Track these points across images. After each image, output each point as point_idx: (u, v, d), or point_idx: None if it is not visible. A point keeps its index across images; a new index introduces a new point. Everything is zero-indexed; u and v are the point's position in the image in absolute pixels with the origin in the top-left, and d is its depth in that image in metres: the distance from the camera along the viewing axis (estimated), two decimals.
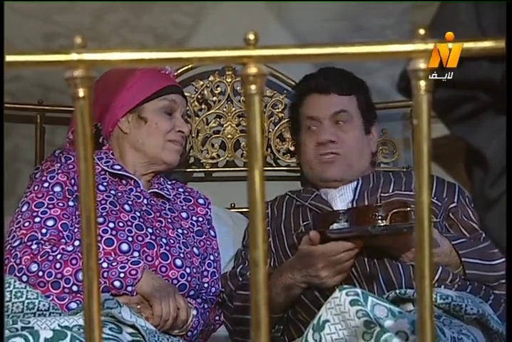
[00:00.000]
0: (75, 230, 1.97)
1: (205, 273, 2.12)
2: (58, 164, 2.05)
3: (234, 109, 2.50)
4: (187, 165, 2.50)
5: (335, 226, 1.90)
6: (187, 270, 2.01)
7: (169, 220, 2.10)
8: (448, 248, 1.94)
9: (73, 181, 2.04)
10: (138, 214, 2.04)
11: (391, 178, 2.16)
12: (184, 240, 2.07)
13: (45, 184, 2.02)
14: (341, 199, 2.13)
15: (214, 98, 2.49)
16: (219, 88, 2.49)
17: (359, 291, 1.55)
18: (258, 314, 0.92)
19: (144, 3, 2.47)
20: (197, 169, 2.51)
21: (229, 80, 2.48)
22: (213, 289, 2.13)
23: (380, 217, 1.84)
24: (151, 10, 2.49)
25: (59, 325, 1.60)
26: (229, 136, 2.50)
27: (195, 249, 2.08)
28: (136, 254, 1.95)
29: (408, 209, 1.86)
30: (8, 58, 0.83)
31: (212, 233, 2.20)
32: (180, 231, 2.09)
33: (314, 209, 2.12)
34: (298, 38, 2.49)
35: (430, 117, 0.87)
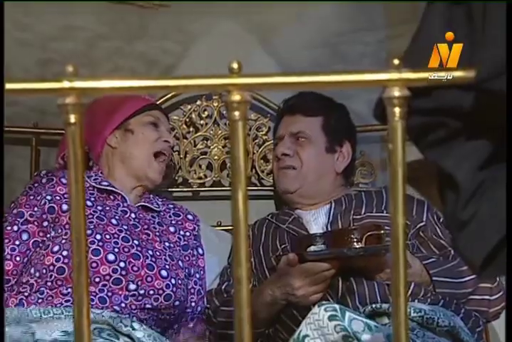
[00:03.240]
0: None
1: (192, 290, 2.11)
2: (29, 200, 2.03)
3: (220, 132, 2.50)
4: (176, 185, 2.49)
5: (312, 248, 1.91)
6: (173, 281, 1.99)
7: (157, 233, 2.09)
8: (419, 268, 1.95)
9: (46, 205, 2.02)
10: (125, 227, 2.03)
11: (362, 200, 2.16)
12: (170, 253, 2.06)
13: (15, 228, 2.01)
14: (315, 222, 2.15)
15: (202, 121, 2.50)
16: (206, 112, 2.50)
17: (337, 306, 1.55)
18: (242, 330, 0.92)
19: (135, 31, 2.49)
20: (185, 189, 2.51)
21: (215, 104, 2.50)
22: (199, 308, 2.12)
23: (355, 240, 1.86)
24: (142, 38, 2.50)
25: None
26: (215, 157, 2.50)
27: (180, 263, 2.07)
28: (122, 264, 1.94)
29: (382, 231, 1.87)
30: (6, 85, 0.83)
31: (200, 251, 2.19)
32: (166, 244, 2.08)
33: (291, 233, 2.12)
34: (281, 65, 2.51)
35: (404, 142, 0.87)
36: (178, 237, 2.14)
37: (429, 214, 2.11)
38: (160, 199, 2.22)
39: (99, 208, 2.05)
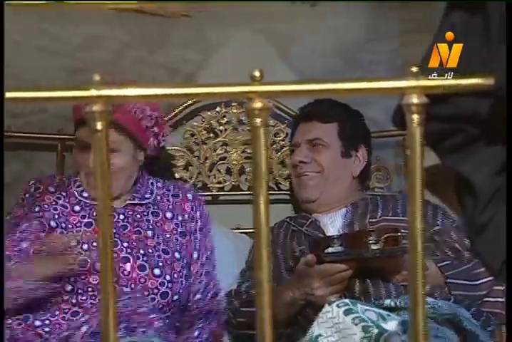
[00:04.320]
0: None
1: (200, 272, 2.01)
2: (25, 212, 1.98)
3: (239, 137, 2.50)
4: (196, 189, 2.49)
5: (330, 249, 1.90)
6: (167, 277, 1.92)
7: (150, 227, 1.99)
8: (434, 270, 1.93)
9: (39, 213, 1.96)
10: (114, 230, 1.93)
11: (378, 204, 2.15)
12: (164, 247, 1.97)
13: (14, 237, 1.95)
14: (332, 225, 2.14)
15: (221, 127, 2.49)
16: (225, 118, 2.49)
17: (347, 300, 1.55)
18: (263, 331, 0.91)
19: (157, 40, 2.49)
20: (205, 193, 2.50)
21: (234, 110, 2.49)
22: (211, 292, 2.03)
23: (373, 241, 1.85)
24: (164, 47, 2.51)
25: None
26: (234, 162, 2.50)
27: (176, 254, 1.97)
28: None
29: (399, 234, 1.86)
30: (36, 94, 0.83)
31: (204, 230, 2.06)
32: (160, 238, 1.98)
33: (309, 235, 2.11)
34: (297, 73, 2.51)
35: (423, 148, 0.86)
36: (176, 224, 2.02)
37: (444, 218, 2.10)
38: (159, 182, 2.09)
39: (88, 212, 1.98)
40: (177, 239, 2.00)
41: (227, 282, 2.16)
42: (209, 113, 2.49)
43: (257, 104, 0.88)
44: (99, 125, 0.87)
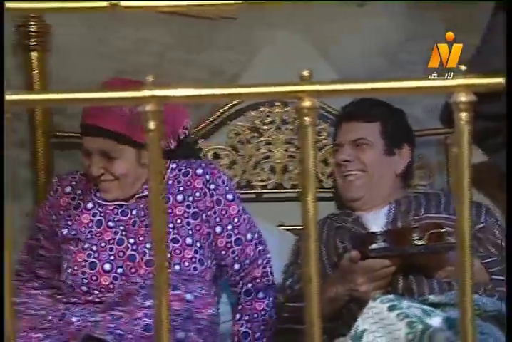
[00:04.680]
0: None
1: (228, 245, 1.94)
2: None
3: (282, 136, 2.50)
4: (240, 187, 2.49)
5: (374, 246, 1.88)
6: (177, 267, 1.86)
7: None
8: (478, 267, 1.91)
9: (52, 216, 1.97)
10: (121, 227, 1.91)
11: (421, 201, 2.13)
12: (174, 235, 1.89)
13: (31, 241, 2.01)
14: (375, 222, 2.12)
15: (265, 127, 2.49)
16: (269, 118, 2.49)
17: (391, 296, 1.54)
18: (312, 326, 0.91)
19: (201, 42, 2.50)
20: (249, 191, 2.51)
21: (278, 110, 2.49)
22: (249, 259, 1.96)
23: (417, 238, 1.83)
24: (207, 49, 2.52)
25: None
26: (277, 161, 2.50)
27: (187, 240, 1.89)
28: (120, 270, 1.86)
29: (443, 230, 1.84)
30: (90, 95, 0.84)
31: (230, 198, 1.95)
32: (170, 225, 1.90)
33: (352, 231, 2.10)
34: (339, 73, 2.49)
35: (470, 146, 0.85)
36: (187, 206, 1.93)
37: (487, 216, 2.07)
38: (174, 163, 1.98)
39: (99, 209, 1.94)
40: (188, 223, 1.92)
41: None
42: (253, 113, 2.49)
43: (306, 103, 0.88)
44: (152, 125, 0.88)
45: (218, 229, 1.94)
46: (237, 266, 1.96)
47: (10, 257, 0.86)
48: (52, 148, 2.37)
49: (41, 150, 2.36)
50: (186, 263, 1.87)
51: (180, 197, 1.93)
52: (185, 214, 1.92)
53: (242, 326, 1.96)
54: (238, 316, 1.97)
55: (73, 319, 1.86)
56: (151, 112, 0.87)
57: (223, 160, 2.47)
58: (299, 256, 2.16)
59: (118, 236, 1.90)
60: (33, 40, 2.32)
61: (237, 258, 1.96)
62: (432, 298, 1.69)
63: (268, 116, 2.49)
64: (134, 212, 1.93)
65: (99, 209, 1.94)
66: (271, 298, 1.97)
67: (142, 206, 1.93)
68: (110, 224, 1.92)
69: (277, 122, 2.49)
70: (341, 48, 2.53)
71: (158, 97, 0.87)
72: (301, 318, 2.16)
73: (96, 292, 1.86)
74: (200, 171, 1.94)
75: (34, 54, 2.33)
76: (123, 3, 0.80)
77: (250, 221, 2.00)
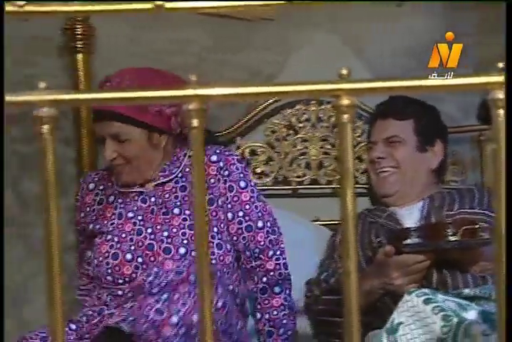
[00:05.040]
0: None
1: (239, 231, 1.89)
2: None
3: (318, 134, 2.50)
4: (277, 183, 2.50)
5: (409, 241, 1.88)
6: (193, 253, 1.82)
7: (177, 203, 1.89)
8: None
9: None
10: (140, 217, 1.90)
11: (454, 197, 2.12)
12: (190, 222, 1.86)
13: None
14: (409, 217, 2.11)
15: (301, 124, 2.50)
16: (305, 115, 2.49)
17: (426, 290, 1.53)
18: (351, 319, 0.91)
19: (239, 43, 2.51)
20: (286, 187, 2.51)
21: (313, 108, 2.49)
22: (258, 249, 1.90)
23: (451, 233, 1.81)
24: (245, 49, 2.52)
25: None
26: (313, 157, 2.50)
27: None
28: (140, 259, 1.86)
29: (477, 226, 1.82)
30: (136, 94, 0.85)
31: (242, 185, 1.91)
32: (187, 212, 1.87)
33: (386, 227, 2.10)
34: (373, 72, 2.49)
35: (508, 143, 0.85)
36: None
37: None
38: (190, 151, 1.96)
39: (119, 201, 1.94)
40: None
41: (308, 271, 2.15)
42: (289, 111, 2.49)
43: (345, 101, 0.88)
44: (195, 123, 0.88)
45: (229, 216, 1.90)
46: (248, 253, 1.91)
47: (59, 252, 0.87)
48: (96, 145, 2.40)
49: (86, 148, 2.39)
50: None
51: None
52: None
53: (265, 325, 1.92)
54: (259, 316, 1.92)
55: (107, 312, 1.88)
56: (194, 110, 0.87)
57: (260, 157, 2.48)
58: (334, 250, 2.16)
59: (137, 227, 1.89)
60: (78, 42, 2.36)
61: (247, 244, 1.91)
62: (467, 291, 1.68)
63: (304, 114, 2.49)
64: (153, 199, 1.91)
65: (119, 200, 1.93)
66: (288, 291, 1.93)
67: (160, 193, 1.92)
68: (130, 214, 1.91)
69: (312, 120, 2.49)
70: (375, 48, 2.52)
71: (201, 96, 0.87)
72: (336, 311, 2.15)
73: (121, 281, 1.86)
74: (214, 158, 1.90)
75: (79, 56, 2.37)
76: (167, 5, 0.81)
77: (264, 209, 1.93)
